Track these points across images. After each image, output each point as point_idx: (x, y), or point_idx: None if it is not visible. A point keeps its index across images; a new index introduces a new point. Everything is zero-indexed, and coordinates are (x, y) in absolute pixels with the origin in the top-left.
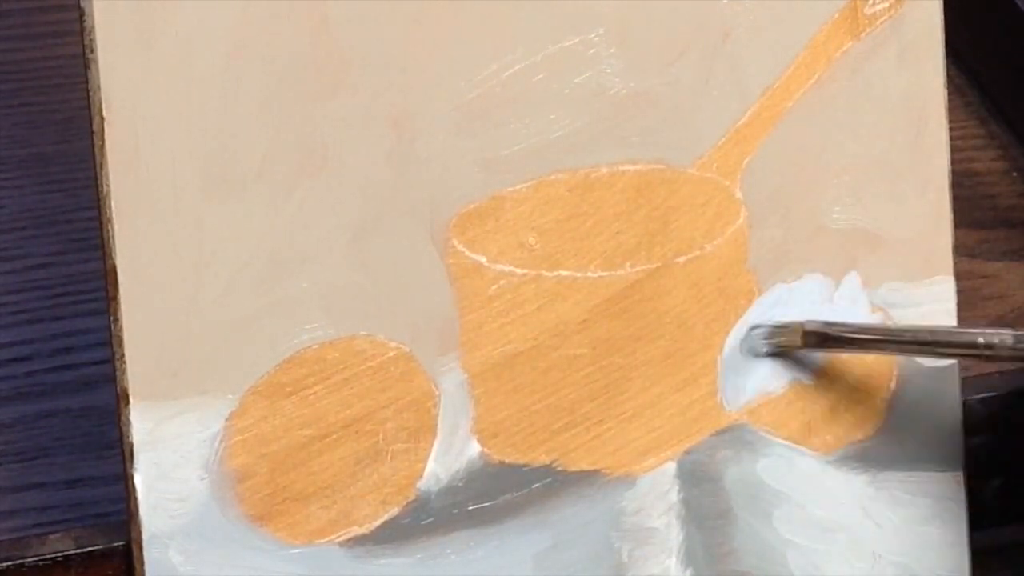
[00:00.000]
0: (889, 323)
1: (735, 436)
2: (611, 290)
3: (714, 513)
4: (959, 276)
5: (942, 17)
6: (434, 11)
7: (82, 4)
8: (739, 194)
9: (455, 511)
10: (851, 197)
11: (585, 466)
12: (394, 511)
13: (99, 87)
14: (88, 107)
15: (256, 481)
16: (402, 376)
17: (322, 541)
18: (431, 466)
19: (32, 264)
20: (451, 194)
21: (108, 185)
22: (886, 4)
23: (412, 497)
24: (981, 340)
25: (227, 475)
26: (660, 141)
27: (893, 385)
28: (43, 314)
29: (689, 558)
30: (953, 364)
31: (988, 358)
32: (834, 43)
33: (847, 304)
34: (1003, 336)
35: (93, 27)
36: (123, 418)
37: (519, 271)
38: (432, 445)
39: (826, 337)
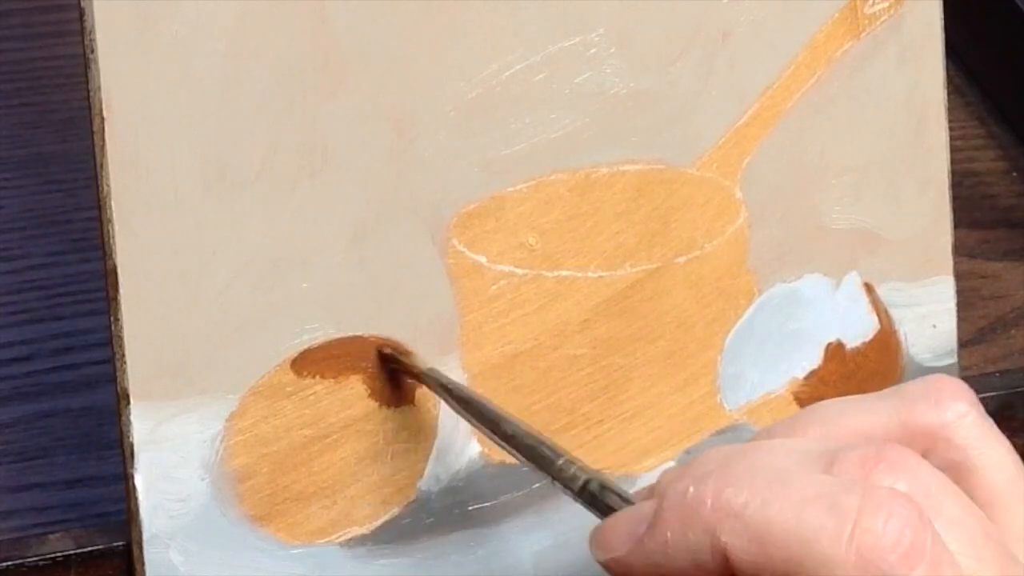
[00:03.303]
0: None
1: (735, 436)
2: (611, 290)
3: None
4: (959, 276)
5: (942, 17)
6: (434, 11)
7: (82, 4)
8: (739, 194)
9: (455, 511)
10: (851, 197)
11: None
12: (394, 511)
13: (99, 87)
14: (88, 107)
15: (256, 481)
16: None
17: (322, 541)
18: (431, 466)
19: (32, 264)
20: (451, 194)
21: (108, 185)
22: (886, 4)
23: (412, 497)
24: (560, 463)
25: (227, 475)
26: (660, 141)
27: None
28: (43, 314)
29: None
30: (953, 364)
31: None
32: (834, 43)
33: (847, 304)
34: (580, 475)
35: (93, 27)
36: (123, 418)
37: (519, 271)
38: (432, 445)
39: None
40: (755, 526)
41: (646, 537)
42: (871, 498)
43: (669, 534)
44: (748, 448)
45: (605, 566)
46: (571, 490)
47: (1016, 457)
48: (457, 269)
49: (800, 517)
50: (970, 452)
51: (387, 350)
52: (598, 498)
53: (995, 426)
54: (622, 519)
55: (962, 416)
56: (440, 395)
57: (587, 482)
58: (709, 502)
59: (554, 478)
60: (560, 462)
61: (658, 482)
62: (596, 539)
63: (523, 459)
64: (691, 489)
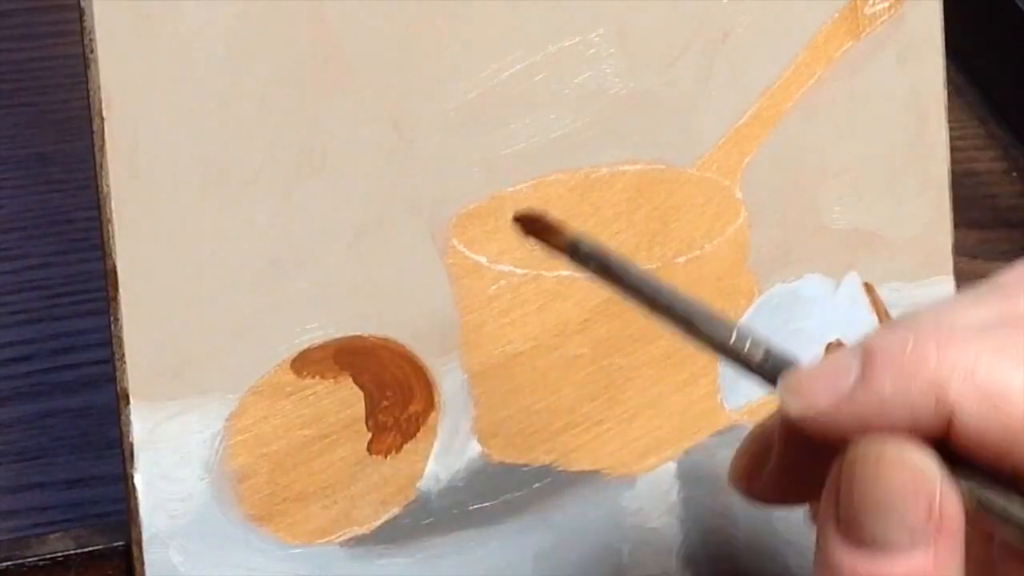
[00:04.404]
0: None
1: (735, 436)
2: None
3: (714, 513)
4: (959, 276)
5: (942, 17)
6: (434, 11)
7: (82, 4)
8: (739, 194)
9: (455, 511)
10: (851, 197)
11: (585, 466)
12: (394, 511)
13: (99, 87)
14: (88, 107)
15: (256, 481)
16: (402, 376)
17: (322, 541)
18: (431, 466)
19: (32, 264)
20: (451, 194)
21: (108, 185)
22: (886, 4)
23: (412, 497)
24: (733, 339)
25: (227, 475)
26: (660, 141)
27: None
28: (43, 314)
29: (689, 558)
30: None
31: (735, 359)
32: (834, 43)
33: (847, 304)
34: (755, 346)
35: (93, 27)
36: (123, 418)
37: (519, 271)
38: (432, 445)
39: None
40: (989, 386)
41: (858, 391)
42: None
43: (888, 389)
44: (955, 306)
45: (799, 421)
46: (747, 365)
47: None
48: (457, 269)
49: None
50: None
51: (533, 217)
52: (780, 369)
53: None
54: (822, 373)
55: None
56: (591, 271)
57: (767, 354)
58: (934, 358)
59: (727, 354)
60: (734, 337)
61: (865, 338)
62: (793, 390)
63: (692, 335)
64: (911, 344)
